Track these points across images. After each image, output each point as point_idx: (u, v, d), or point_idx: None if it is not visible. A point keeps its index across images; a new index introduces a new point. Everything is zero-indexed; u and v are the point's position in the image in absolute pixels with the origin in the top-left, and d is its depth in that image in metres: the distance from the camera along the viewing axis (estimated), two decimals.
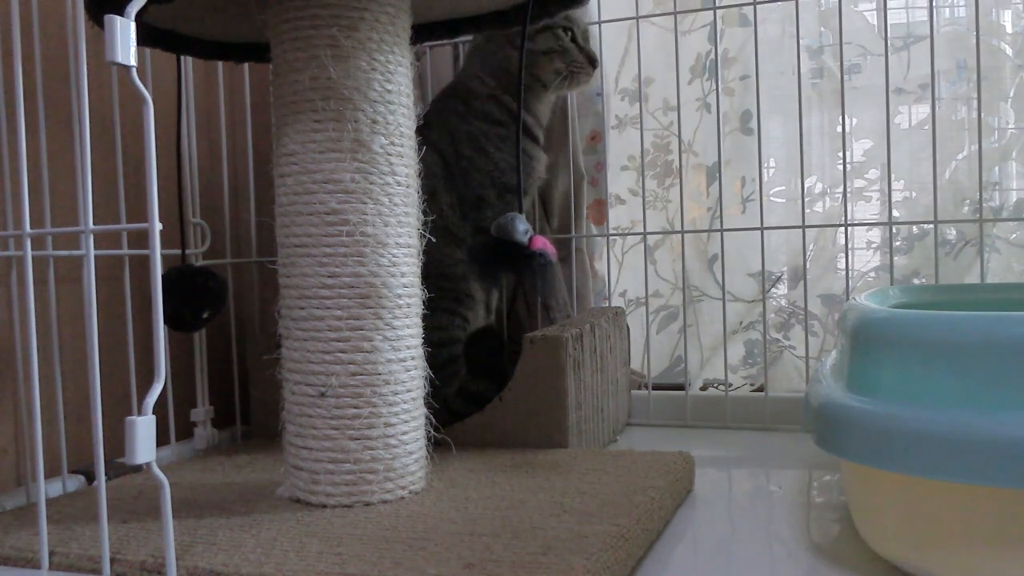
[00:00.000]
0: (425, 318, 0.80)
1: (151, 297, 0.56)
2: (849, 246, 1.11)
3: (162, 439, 0.91)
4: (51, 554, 0.64)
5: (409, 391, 0.76)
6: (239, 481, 0.84)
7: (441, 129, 1.03)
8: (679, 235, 1.25)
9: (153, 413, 0.54)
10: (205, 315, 0.89)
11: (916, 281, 1.20)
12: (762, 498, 0.83)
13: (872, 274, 1.24)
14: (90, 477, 0.88)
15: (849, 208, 1.15)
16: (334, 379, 0.73)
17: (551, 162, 1.14)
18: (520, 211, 0.85)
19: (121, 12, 0.53)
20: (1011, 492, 0.51)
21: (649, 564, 0.65)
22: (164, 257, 0.90)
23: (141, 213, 0.95)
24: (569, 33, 1.06)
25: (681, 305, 1.26)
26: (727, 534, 0.73)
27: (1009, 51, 1.17)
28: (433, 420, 0.80)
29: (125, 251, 0.92)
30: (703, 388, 1.28)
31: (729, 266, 1.22)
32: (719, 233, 1.16)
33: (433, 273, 0.81)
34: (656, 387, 1.19)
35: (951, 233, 1.20)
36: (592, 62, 1.08)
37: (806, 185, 1.16)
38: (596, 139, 1.24)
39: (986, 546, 0.54)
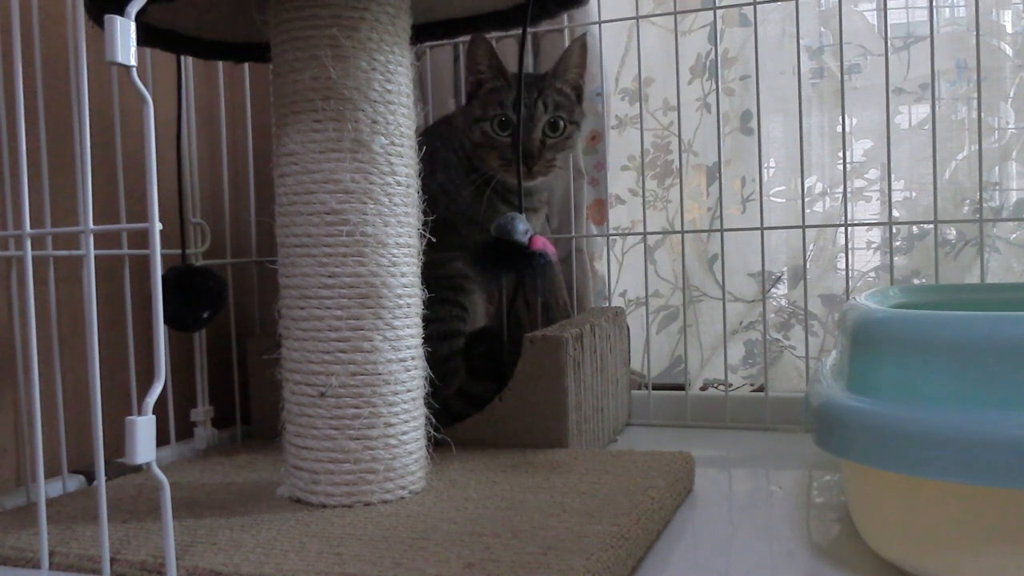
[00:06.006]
0: (424, 310, 0.80)
1: (151, 297, 0.56)
2: (849, 246, 1.11)
3: (162, 439, 0.91)
4: (51, 554, 0.64)
5: (409, 391, 0.76)
6: (239, 481, 0.84)
7: (426, 149, 1.02)
8: (679, 235, 1.25)
9: (153, 413, 0.54)
10: (205, 315, 0.89)
11: (916, 281, 1.20)
12: (762, 498, 0.83)
13: (872, 274, 1.24)
14: (90, 477, 0.88)
15: (849, 208, 1.15)
16: (334, 379, 0.73)
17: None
18: (520, 211, 0.85)
19: (121, 12, 0.53)
20: (1011, 492, 0.51)
21: (649, 564, 0.65)
22: (164, 257, 0.90)
23: (141, 213, 0.95)
24: (509, 127, 0.98)
25: (681, 305, 1.26)
26: (727, 534, 0.73)
27: (1009, 51, 1.17)
28: (433, 420, 0.80)
29: (125, 251, 0.92)
30: (703, 388, 1.28)
31: (729, 266, 1.22)
32: (719, 233, 1.16)
33: (428, 262, 0.81)
34: (656, 387, 1.19)
35: (951, 233, 1.19)
36: (525, 158, 0.97)
37: (806, 185, 1.16)
38: (596, 139, 1.24)
39: (986, 546, 0.54)
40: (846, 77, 1.15)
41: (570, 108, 1.03)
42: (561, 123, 1.02)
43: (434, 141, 1.03)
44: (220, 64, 1.11)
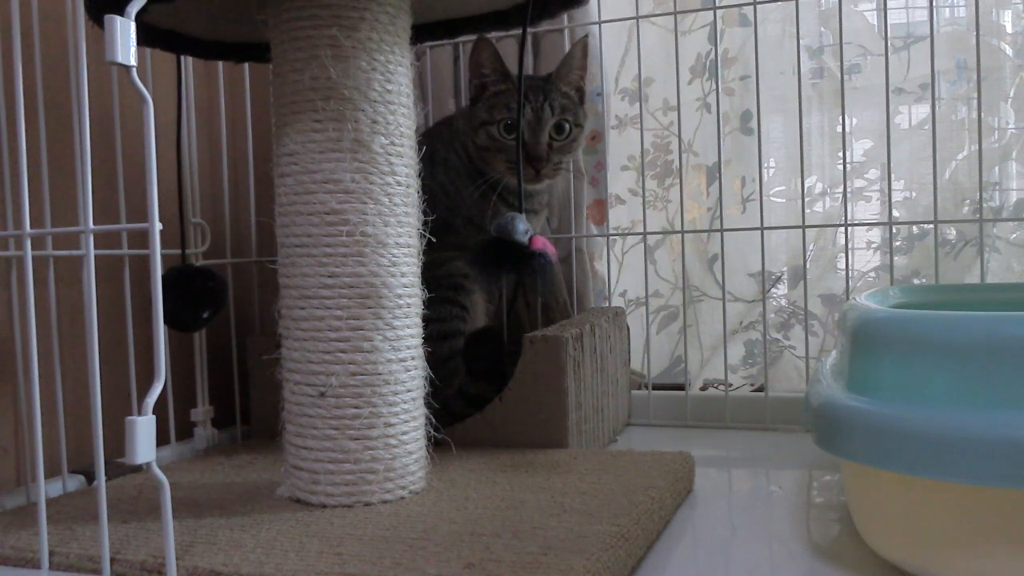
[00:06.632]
0: (424, 310, 0.80)
1: (151, 297, 0.56)
2: (849, 246, 1.11)
3: (162, 439, 0.91)
4: (51, 554, 0.64)
5: (409, 391, 0.76)
6: (239, 481, 0.84)
7: (426, 149, 1.02)
8: (679, 235, 1.25)
9: (153, 413, 0.54)
10: (205, 315, 0.89)
11: (916, 281, 1.20)
12: (762, 498, 0.83)
13: (872, 274, 1.24)
14: (90, 477, 0.88)
15: (849, 208, 1.15)
16: (334, 379, 0.73)
17: None
18: (520, 212, 0.85)
19: (121, 12, 0.53)
20: (1011, 492, 0.51)
21: (649, 564, 0.65)
22: (164, 257, 0.90)
23: (141, 213, 0.95)
24: (515, 130, 0.97)
25: (681, 305, 1.26)
26: (727, 534, 0.73)
27: (1009, 51, 1.17)
28: (433, 420, 0.80)
29: (125, 251, 0.92)
30: (703, 388, 1.28)
31: (729, 266, 1.22)
32: (719, 233, 1.16)
33: (428, 262, 0.81)
34: (656, 387, 1.19)
35: (951, 233, 1.19)
36: (533, 161, 0.98)
37: (806, 185, 1.16)
38: (596, 139, 1.24)
39: (986, 546, 0.54)
40: (846, 77, 1.15)
41: (574, 110, 1.03)
42: (567, 125, 1.02)
43: (434, 143, 1.03)
44: (220, 64, 1.11)
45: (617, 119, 1.31)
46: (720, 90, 1.23)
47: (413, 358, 0.77)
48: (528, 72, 1.15)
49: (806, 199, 1.16)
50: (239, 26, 0.85)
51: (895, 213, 1.19)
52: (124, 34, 0.53)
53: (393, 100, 0.75)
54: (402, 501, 0.74)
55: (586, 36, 1.08)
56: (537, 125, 1.00)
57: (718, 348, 1.25)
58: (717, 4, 1.22)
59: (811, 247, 1.25)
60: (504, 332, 1.04)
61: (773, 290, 1.27)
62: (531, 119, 0.99)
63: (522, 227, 0.81)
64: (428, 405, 0.79)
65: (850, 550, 0.66)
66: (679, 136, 1.22)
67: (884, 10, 1.09)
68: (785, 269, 1.27)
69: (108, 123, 0.94)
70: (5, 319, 0.84)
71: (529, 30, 0.99)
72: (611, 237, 1.24)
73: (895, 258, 1.17)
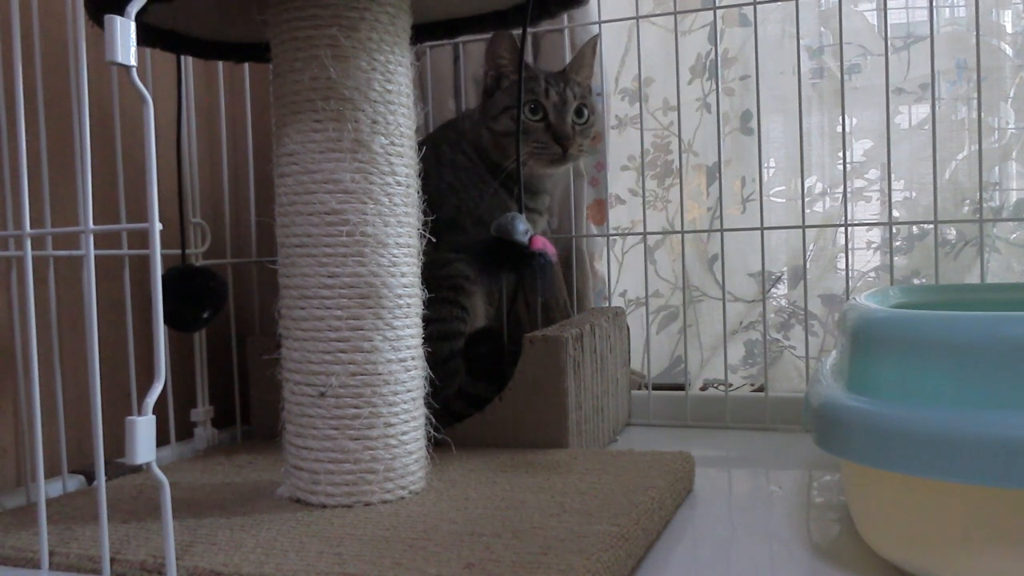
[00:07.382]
0: (424, 310, 0.80)
1: (151, 297, 0.56)
2: (849, 246, 1.11)
3: (162, 439, 0.91)
4: (51, 554, 0.64)
5: (409, 391, 0.76)
6: (239, 481, 0.84)
7: (430, 151, 1.03)
8: (679, 235, 1.25)
9: (153, 413, 0.54)
10: (205, 315, 0.89)
11: (916, 281, 1.20)
12: (762, 498, 0.83)
13: (872, 274, 1.24)
14: (90, 477, 0.88)
15: (849, 208, 1.15)
16: (334, 379, 0.73)
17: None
18: (520, 211, 0.85)
19: (121, 12, 0.53)
20: (1011, 492, 0.51)
21: (649, 564, 0.65)
22: (164, 257, 0.90)
23: (141, 213, 0.95)
24: (540, 112, 1.00)
25: (681, 305, 1.26)
26: (727, 534, 0.73)
27: (1009, 51, 1.17)
28: (433, 420, 0.80)
29: (125, 251, 0.92)
30: (703, 388, 1.28)
31: (729, 266, 1.22)
32: (719, 233, 1.16)
33: (428, 262, 0.81)
34: (656, 387, 1.19)
35: (951, 233, 1.19)
36: (560, 140, 1.00)
37: (806, 185, 1.16)
38: (596, 139, 1.24)
39: (986, 546, 0.54)
40: (846, 77, 1.15)
41: (589, 98, 1.06)
42: (585, 110, 1.04)
43: (439, 144, 1.04)
44: (220, 64, 1.11)
45: (617, 119, 1.31)
46: (720, 90, 1.23)
47: (413, 358, 0.77)
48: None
49: (806, 199, 1.16)
50: (239, 26, 0.85)
51: (895, 213, 1.19)
52: (124, 34, 0.53)
53: (393, 100, 0.75)
54: (402, 501, 0.74)
55: (596, 36, 1.09)
56: (563, 107, 1.02)
57: (718, 348, 1.25)
58: (717, 4, 1.22)
59: (811, 247, 1.25)
60: (504, 332, 1.04)
61: (773, 290, 1.27)
62: (556, 101, 1.01)
63: (522, 227, 0.81)
64: (428, 405, 0.79)
65: (850, 550, 0.66)
66: (679, 136, 1.22)
67: (884, 10, 1.09)
68: (785, 269, 1.27)
69: (108, 123, 0.94)
70: (5, 319, 0.84)
71: (529, 30, 0.99)
72: (611, 237, 1.24)
73: (895, 258, 1.17)
